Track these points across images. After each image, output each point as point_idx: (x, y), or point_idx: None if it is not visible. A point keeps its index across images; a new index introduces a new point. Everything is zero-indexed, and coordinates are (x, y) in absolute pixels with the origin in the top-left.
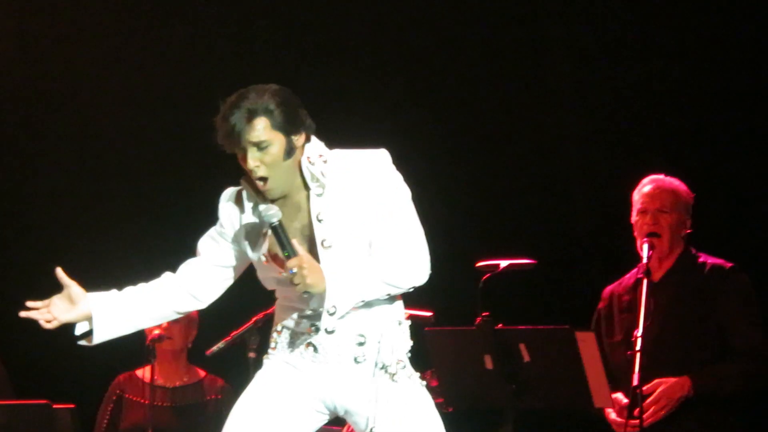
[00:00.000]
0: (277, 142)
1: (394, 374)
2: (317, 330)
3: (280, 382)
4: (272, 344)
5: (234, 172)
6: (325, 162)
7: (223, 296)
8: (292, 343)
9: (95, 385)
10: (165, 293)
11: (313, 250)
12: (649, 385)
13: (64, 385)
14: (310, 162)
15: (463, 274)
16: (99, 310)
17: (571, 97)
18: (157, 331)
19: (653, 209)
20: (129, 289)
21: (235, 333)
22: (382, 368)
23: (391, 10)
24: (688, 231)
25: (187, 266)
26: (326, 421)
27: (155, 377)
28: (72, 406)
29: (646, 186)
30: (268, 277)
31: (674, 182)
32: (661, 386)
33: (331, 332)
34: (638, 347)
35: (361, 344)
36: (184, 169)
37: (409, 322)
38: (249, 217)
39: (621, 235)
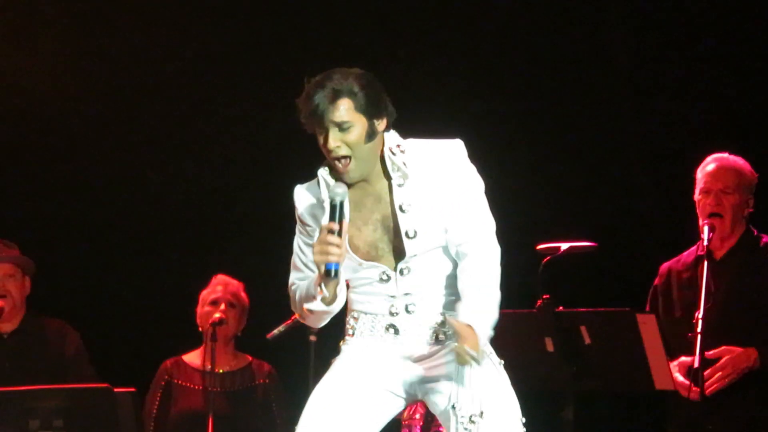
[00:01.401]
0: (359, 124)
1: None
2: (397, 312)
3: (359, 368)
4: (349, 331)
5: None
6: (403, 152)
7: (275, 285)
8: (372, 328)
9: (153, 369)
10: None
11: (395, 239)
12: (715, 351)
13: (117, 369)
14: (392, 152)
15: (523, 257)
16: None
17: (632, 76)
18: (217, 315)
19: (716, 189)
20: None
21: (296, 316)
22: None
23: None
24: (750, 210)
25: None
26: (403, 407)
27: (205, 363)
28: (133, 390)
29: (709, 165)
30: (344, 265)
31: (738, 161)
32: (728, 354)
33: (412, 312)
34: (699, 329)
35: (441, 323)
36: None
37: None
38: (327, 206)
39: (683, 216)
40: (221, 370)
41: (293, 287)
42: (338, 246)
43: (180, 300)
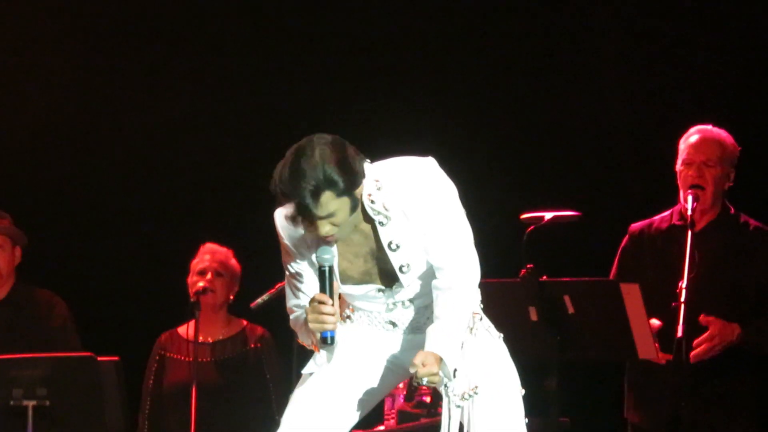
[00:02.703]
0: (343, 206)
1: (472, 328)
2: (394, 308)
3: (356, 342)
4: (347, 322)
5: None
6: (379, 189)
7: (264, 251)
8: (369, 321)
9: (138, 338)
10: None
11: (387, 267)
12: (704, 319)
13: (108, 338)
14: (371, 200)
15: (507, 227)
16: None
17: (616, 46)
18: (201, 284)
19: (698, 161)
20: None
21: (280, 285)
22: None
23: None
24: (731, 184)
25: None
26: (400, 380)
27: (190, 333)
28: (116, 358)
29: (692, 136)
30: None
31: (721, 134)
32: (717, 325)
33: (408, 307)
34: (683, 299)
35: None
36: None
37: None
38: (312, 244)
39: (666, 185)
40: (213, 340)
41: (292, 316)
42: (332, 315)
43: (173, 268)
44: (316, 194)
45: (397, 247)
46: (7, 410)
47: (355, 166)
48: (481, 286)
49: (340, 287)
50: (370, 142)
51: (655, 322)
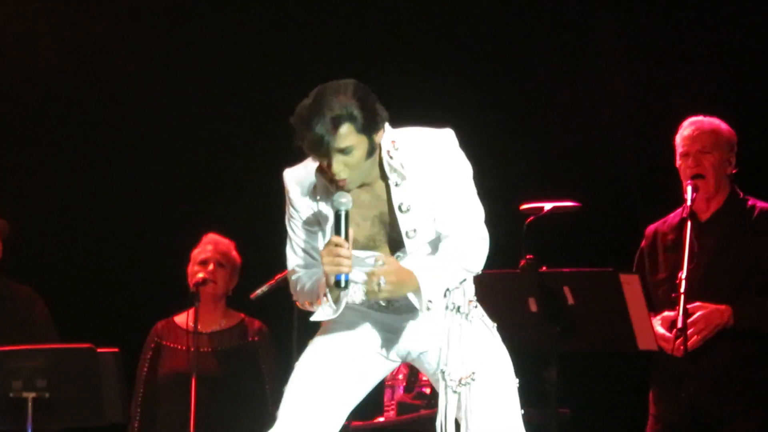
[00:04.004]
0: (360, 145)
1: (467, 314)
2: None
3: (350, 330)
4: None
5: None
6: (397, 149)
7: (265, 243)
8: (363, 302)
9: (137, 329)
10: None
11: (392, 232)
12: (690, 307)
13: (107, 328)
14: (390, 156)
15: (506, 217)
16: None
17: (618, 40)
18: (201, 275)
19: (694, 151)
20: None
21: (280, 276)
22: (453, 309)
23: None
24: (734, 171)
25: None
26: (394, 368)
27: (189, 323)
28: (116, 350)
29: (686, 128)
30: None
31: (714, 122)
32: (701, 311)
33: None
34: (682, 289)
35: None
36: None
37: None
38: (321, 199)
39: (667, 176)
40: (210, 330)
41: (294, 276)
42: (348, 258)
43: (172, 259)
44: (336, 124)
45: (408, 209)
46: (6, 402)
47: (376, 109)
48: (481, 277)
49: (354, 234)
50: None
51: (669, 314)
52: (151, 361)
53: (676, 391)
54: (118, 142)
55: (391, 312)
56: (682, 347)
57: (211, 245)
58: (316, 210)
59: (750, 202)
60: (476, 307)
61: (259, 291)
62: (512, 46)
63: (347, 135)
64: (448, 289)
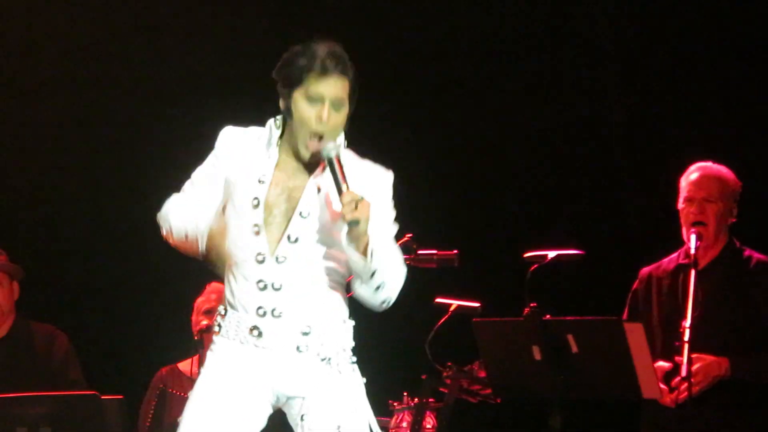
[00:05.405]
0: (346, 108)
1: (338, 364)
2: (264, 314)
3: (224, 383)
4: (216, 328)
5: None
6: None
7: None
8: (237, 327)
9: (141, 376)
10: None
11: (288, 213)
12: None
13: (111, 376)
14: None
15: (510, 265)
16: None
17: (618, 84)
18: (204, 322)
19: (699, 198)
20: None
21: None
22: (324, 360)
23: None
24: (734, 220)
25: (193, 195)
26: (269, 414)
27: (194, 371)
28: (120, 397)
29: (693, 173)
30: (242, 230)
31: (722, 170)
32: (699, 362)
33: (278, 317)
34: (686, 338)
35: (305, 333)
36: None
37: (353, 322)
38: (257, 158)
39: (668, 224)
40: None
41: (176, 202)
42: (360, 199)
43: (175, 306)
44: (343, 73)
45: (321, 194)
46: None
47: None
48: (484, 324)
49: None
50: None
51: (663, 364)
52: (156, 407)
53: None
54: (123, 189)
55: (263, 348)
56: (683, 395)
57: (215, 294)
58: (240, 161)
59: (746, 253)
60: (350, 360)
61: None
62: (514, 85)
63: (345, 90)
64: (381, 286)
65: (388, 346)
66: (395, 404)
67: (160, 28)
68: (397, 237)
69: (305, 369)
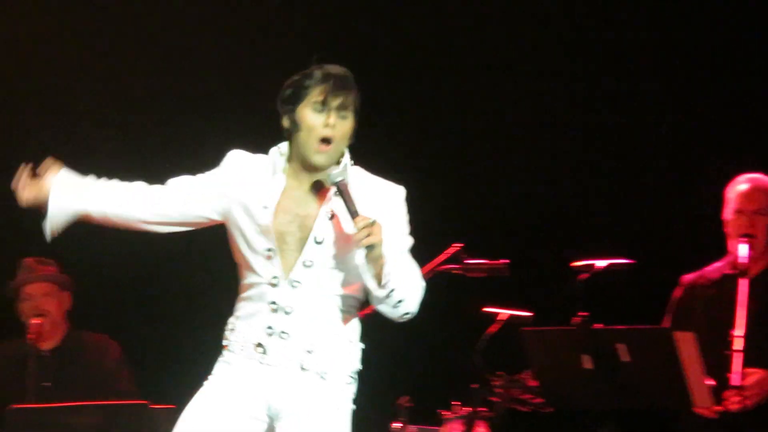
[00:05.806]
0: (352, 120)
1: (335, 385)
2: (272, 334)
3: (226, 393)
4: (224, 341)
5: None
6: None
7: None
8: (244, 342)
9: (193, 386)
10: (131, 190)
11: (302, 239)
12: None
13: (163, 386)
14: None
15: (560, 274)
16: (57, 181)
17: (664, 93)
18: None
19: (750, 211)
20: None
21: None
22: (323, 378)
23: None
24: None
25: (161, 189)
26: (264, 430)
27: None
28: (172, 406)
29: (742, 185)
30: (254, 254)
31: None
32: (754, 376)
33: (285, 339)
34: (737, 347)
35: (309, 352)
36: None
37: (362, 345)
38: (264, 184)
39: (715, 232)
40: None
41: (164, 188)
42: (372, 223)
43: (229, 316)
44: (351, 86)
45: (333, 219)
46: None
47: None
48: (534, 333)
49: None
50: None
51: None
52: None
53: None
54: None
55: (267, 365)
56: (734, 406)
57: None
58: (248, 184)
59: None
60: (349, 383)
61: None
62: (557, 100)
63: (350, 102)
64: (401, 301)
65: (435, 357)
66: (446, 414)
67: (163, 39)
68: (445, 247)
69: (306, 387)
